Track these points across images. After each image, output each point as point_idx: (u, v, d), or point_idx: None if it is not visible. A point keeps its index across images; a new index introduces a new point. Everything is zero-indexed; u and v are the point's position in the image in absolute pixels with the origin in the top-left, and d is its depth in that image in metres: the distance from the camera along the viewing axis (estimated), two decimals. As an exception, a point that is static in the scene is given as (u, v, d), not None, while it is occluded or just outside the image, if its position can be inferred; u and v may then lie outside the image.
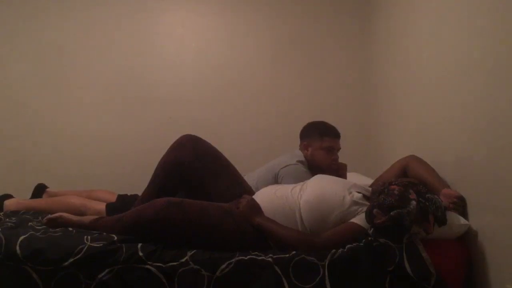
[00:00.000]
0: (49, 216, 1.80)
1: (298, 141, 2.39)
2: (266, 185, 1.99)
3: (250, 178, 2.21)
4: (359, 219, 1.62)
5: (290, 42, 3.26)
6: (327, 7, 3.27)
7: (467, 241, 1.61)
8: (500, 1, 1.44)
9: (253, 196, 1.83)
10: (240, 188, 1.97)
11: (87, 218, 1.81)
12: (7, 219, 1.86)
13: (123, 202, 2.18)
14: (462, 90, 1.69)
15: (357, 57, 3.24)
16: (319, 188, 1.75)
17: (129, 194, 2.33)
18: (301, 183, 1.86)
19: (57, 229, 1.67)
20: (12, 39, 3.12)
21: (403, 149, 2.40)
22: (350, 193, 1.72)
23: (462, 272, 1.54)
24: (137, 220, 1.60)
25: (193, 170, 1.91)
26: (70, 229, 1.70)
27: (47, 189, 2.43)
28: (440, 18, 1.94)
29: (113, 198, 2.27)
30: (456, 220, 1.59)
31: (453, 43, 1.79)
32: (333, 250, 1.51)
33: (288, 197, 1.75)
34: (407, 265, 1.46)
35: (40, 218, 1.93)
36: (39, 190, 2.41)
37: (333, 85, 3.25)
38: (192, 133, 2.03)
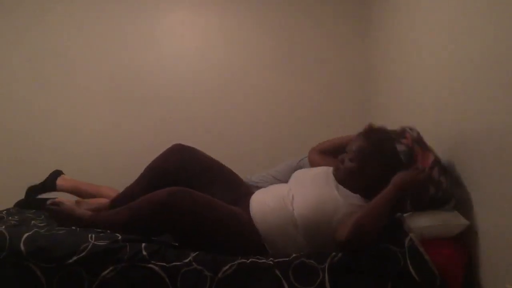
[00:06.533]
0: (53, 199, 1.79)
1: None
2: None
3: (264, 179, 2.22)
4: None
5: (290, 42, 3.27)
6: (326, 8, 3.28)
7: (467, 241, 1.62)
8: (499, 0, 1.45)
9: (250, 201, 1.79)
10: (234, 195, 1.89)
11: (86, 213, 1.76)
12: (10, 217, 1.87)
13: None
14: (462, 90, 1.71)
15: (357, 58, 3.25)
16: (311, 199, 1.69)
17: None
18: (287, 186, 1.82)
19: (61, 227, 1.67)
20: (12, 39, 3.11)
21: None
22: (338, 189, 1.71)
23: (462, 272, 1.55)
24: (150, 200, 1.59)
25: (179, 180, 1.84)
26: (74, 227, 1.71)
27: (63, 175, 2.43)
28: (440, 18, 1.95)
29: None
30: (455, 219, 1.61)
31: (453, 44, 1.80)
32: (333, 253, 1.52)
33: (282, 208, 1.70)
34: (411, 269, 1.47)
35: (43, 217, 1.94)
36: (54, 176, 2.40)
37: (333, 86, 3.26)
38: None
